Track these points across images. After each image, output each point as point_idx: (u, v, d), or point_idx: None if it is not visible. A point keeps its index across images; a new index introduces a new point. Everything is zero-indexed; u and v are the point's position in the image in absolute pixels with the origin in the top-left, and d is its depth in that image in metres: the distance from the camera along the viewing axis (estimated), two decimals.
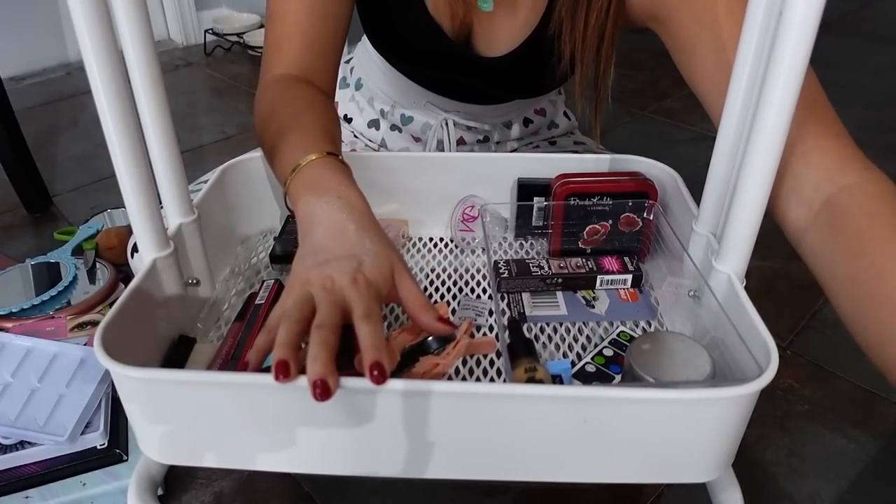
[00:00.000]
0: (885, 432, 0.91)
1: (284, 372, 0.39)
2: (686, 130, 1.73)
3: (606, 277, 0.64)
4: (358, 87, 0.89)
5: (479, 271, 0.68)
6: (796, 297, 1.16)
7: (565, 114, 0.93)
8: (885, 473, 0.85)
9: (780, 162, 0.44)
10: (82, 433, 0.79)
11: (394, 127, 0.87)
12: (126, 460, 0.81)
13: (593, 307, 0.63)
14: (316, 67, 0.65)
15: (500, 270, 0.63)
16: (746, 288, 0.51)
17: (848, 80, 1.97)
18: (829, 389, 0.98)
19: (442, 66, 0.75)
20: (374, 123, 0.88)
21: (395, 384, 0.41)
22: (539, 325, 0.61)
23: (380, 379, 0.39)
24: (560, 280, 0.63)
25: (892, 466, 0.86)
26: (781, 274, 1.21)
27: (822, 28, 0.41)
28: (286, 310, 0.42)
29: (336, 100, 0.91)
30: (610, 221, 0.67)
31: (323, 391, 0.38)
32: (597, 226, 0.67)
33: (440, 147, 0.84)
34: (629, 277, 0.64)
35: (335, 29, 0.66)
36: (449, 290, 0.66)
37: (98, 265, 1.13)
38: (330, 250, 0.46)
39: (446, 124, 0.83)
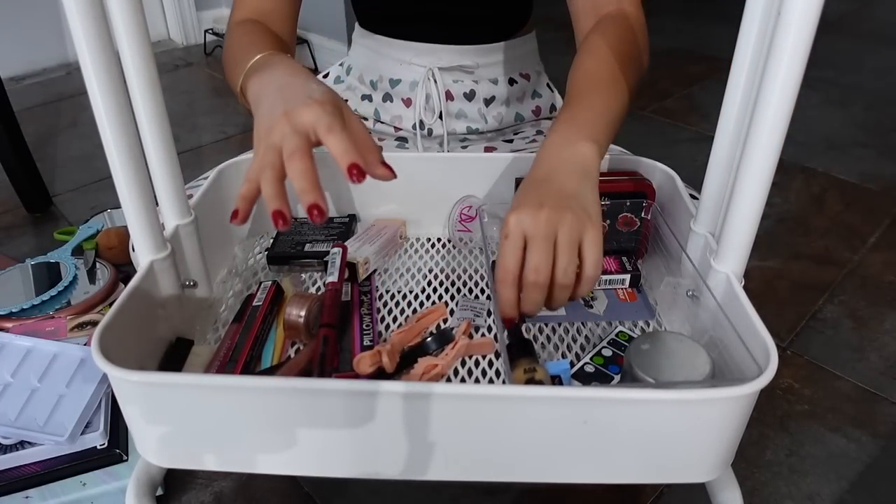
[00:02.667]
0: (884, 432, 0.91)
1: (283, 220, 0.43)
2: (686, 130, 1.73)
3: (604, 277, 0.64)
4: (348, 72, 0.93)
5: (476, 271, 0.68)
6: (796, 297, 1.16)
7: (548, 85, 0.95)
8: (885, 473, 0.85)
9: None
10: (82, 433, 0.79)
11: (386, 97, 0.89)
12: (126, 460, 0.81)
13: (591, 307, 0.63)
14: (273, 11, 0.72)
15: None
16: (746, 288, 0.51)
17: (848, 80, 1.97)
18: (828, 389, 0.98)
19: None
20: (366, 97, 0.91)
21: (394, 386, 0.41)
22: (538, 325, 0.61)
23: (360, 177, 0.43)
24: None
25: (892, 466, 0.86)
26: (781, 274, 1.21)
27: (822, 28, 0.41)
28: (261, 164, 0.45)
29: None
30: (608, 221, 0.67)
31: (319, 214, 0.42)
32: None
33: (429, 102, 0.85)
34: (627, 277, 0.64)
35: None
36: (447, 290, 0.65)
37: (98, 265, 1.13)
38: (282, 101, 0.49)
39: (432, 76, 0.84)
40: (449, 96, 0.86)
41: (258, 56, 0.57)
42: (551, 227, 0.48)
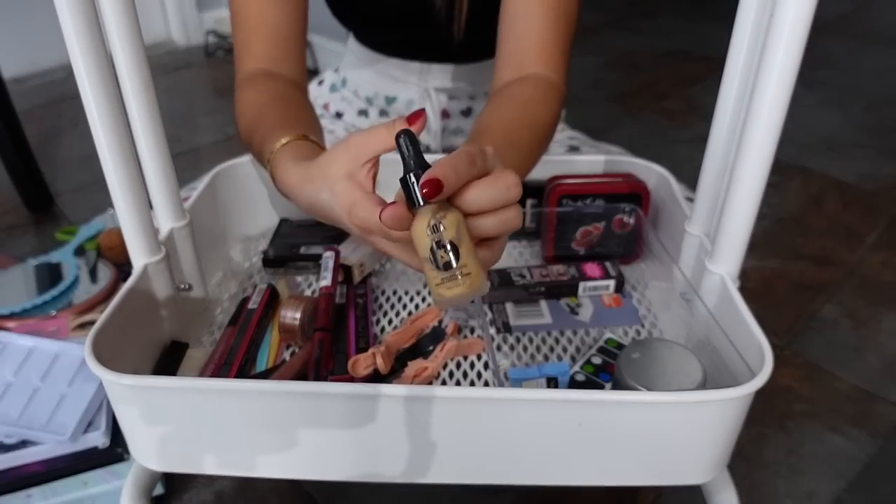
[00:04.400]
0: (883, 432, 0.91)
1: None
2: (685, 131, 1.73)
3: (589, 284, 0.64)
4: (344, 83, 0.92)
5: None
6: (795, 297, 1.16)
7: None
8: (883, 472, 0.85)
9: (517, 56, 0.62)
10: (84, 432, 0.79)
11: (382, 112, 0.88)
12: (128, 460, 0.81)
13: (577, 314, 0.62)
14: (281, 57, 0.67)
15: None
16: (744, 288, 0.50)
17: (847, 81, 1.96)
18: (827, 389, 0.98)
19: (390, 19, 0.77)
20: (362, 112, 0.90)
21: (390, 389, 0.42)
22: (527, 334, 0.60)
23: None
24: (543, 288, 0.63)
25: (890, 465, 0.86)
26: (780, 274, 1.21)
27: (820, 29, 0.41)
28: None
29: (327, 101, 0.93)
30: (603, 223, 0.67)
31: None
32: (590, 228, 0.67)
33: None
34: (612, 283, 0.64)
35: (296, 16, 0.68)
36: None
37: (100, 265, 1.13)
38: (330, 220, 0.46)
39: (428, 95, 0.84)
40: (445, 114, 0.86)
41: (270, 154, 0.53)
42: None
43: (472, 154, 0.36)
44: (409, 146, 0.37)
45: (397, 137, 0.37)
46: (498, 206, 0.36)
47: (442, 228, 0.34)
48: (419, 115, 0.39)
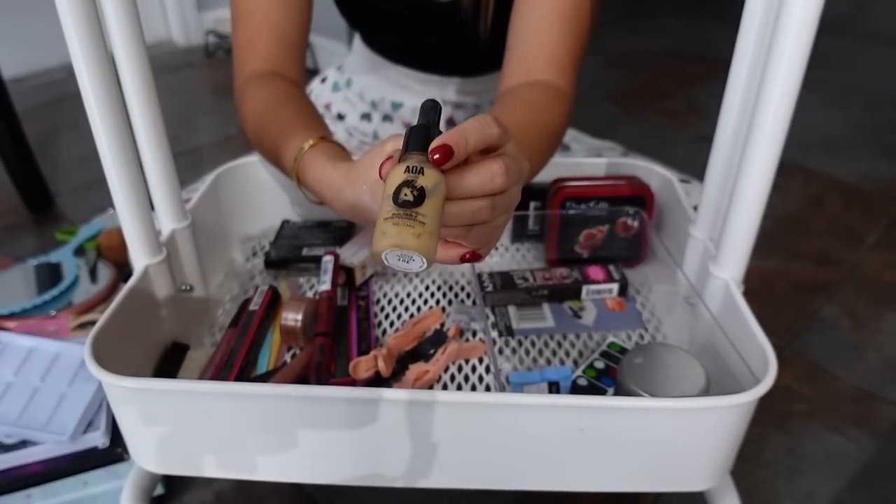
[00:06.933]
0: (882, 432, 0.91)
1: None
2: (685, 131, 1.73)
3: (592, 287, 0.63)
4: (349, 84, 0.91)
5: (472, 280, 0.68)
6: (795, 297, 1.16)
7: None
8: (883, 472, 0.85)
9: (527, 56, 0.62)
10: (84, 432, 0.79)
11: (386, 117, 0.88)
12: (128, 460, 0.81)
13: (580, 317, 0.62)
14: (285, 57, 0.67)
15: (485, 284, 0.63)
16: (745, 289, 0.50)
17: (846, 81, 1.96)
18: (827, 389, 0.98)
19: (406, 25, 0.76)
20: (366, 116, 0.89)
21: (390, 393, 0.41)
22: (530, 337, 0.60)
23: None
24: (545, 291, 0.63)
25: (890, 465, 0.86)
26: (780, 274, 1.21)
27: (820, 29, 0.41)
28: None
29: (329, 101, 0.93)
30: (607, 226, 0.67)
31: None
32: (593, 230, 0.67)
33: None
34: (615, 286, 0.64)
35: (301, 19, 0.68)
36: (444, 294, 0.66)
37: (100, 265, 1.13)
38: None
39: None
40: (451, 123, 0.85)
41: (297, 151, 0.54)
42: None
43: (484, 123, 0.34)
44: (434, 112, 0.35)
45: (425, 102, 0.36)
46: (479, 195, 0.34)
47: (420, 173, 0.31)
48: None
